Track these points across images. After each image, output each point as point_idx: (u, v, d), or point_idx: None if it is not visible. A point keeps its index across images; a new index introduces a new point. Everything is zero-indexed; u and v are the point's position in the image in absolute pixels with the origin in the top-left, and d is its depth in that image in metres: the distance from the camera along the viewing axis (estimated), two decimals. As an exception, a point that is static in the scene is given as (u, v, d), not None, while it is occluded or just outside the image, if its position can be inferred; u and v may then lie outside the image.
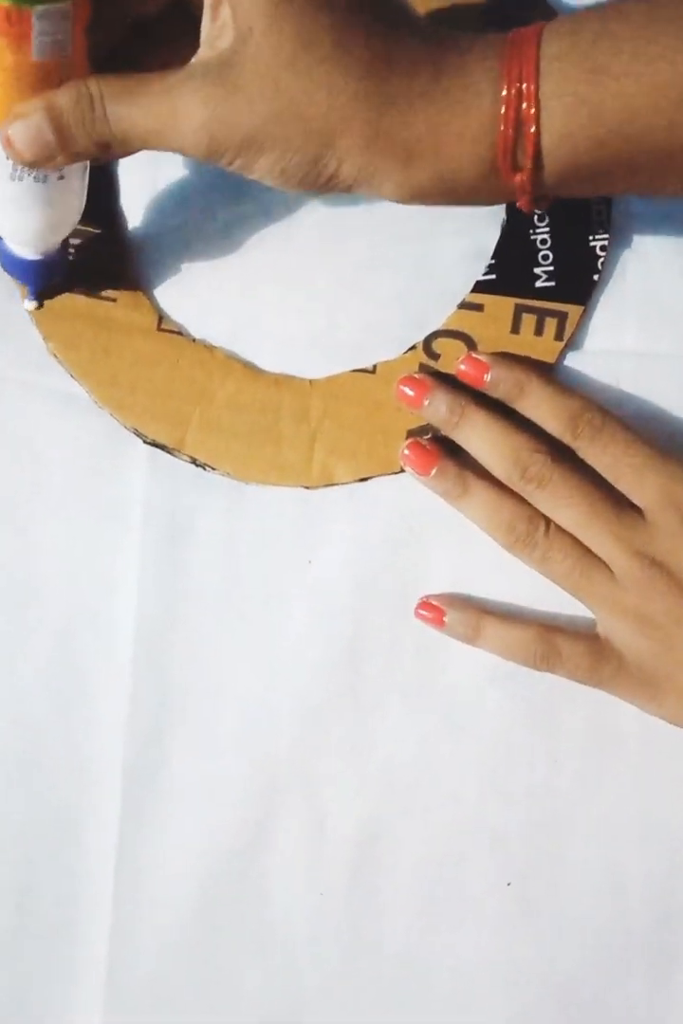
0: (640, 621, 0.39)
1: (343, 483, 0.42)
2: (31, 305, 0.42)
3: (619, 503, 0.40)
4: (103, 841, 0.42)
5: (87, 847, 0.42)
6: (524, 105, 0.33)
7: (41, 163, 0.36)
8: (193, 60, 0.35)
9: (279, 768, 0.42)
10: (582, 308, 0.43)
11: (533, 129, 0.34)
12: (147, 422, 0.43)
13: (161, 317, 0.43)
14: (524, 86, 0.33)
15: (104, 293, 0.43)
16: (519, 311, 0.42)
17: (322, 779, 0.42)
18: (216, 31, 0.35)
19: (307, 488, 0.43)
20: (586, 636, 0.40)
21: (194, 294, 0.44)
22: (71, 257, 0.42)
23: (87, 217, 0.43)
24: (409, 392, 0.41)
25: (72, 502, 0.43)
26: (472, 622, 0.41)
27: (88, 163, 0.39)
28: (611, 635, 0.40)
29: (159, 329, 0.43)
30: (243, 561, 0.43)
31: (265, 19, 0.33)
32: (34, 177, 0.37)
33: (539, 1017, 0.40)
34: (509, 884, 0.41)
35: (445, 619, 0.41)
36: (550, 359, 0.42)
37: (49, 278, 0.41)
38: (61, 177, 0.37)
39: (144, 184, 0.45)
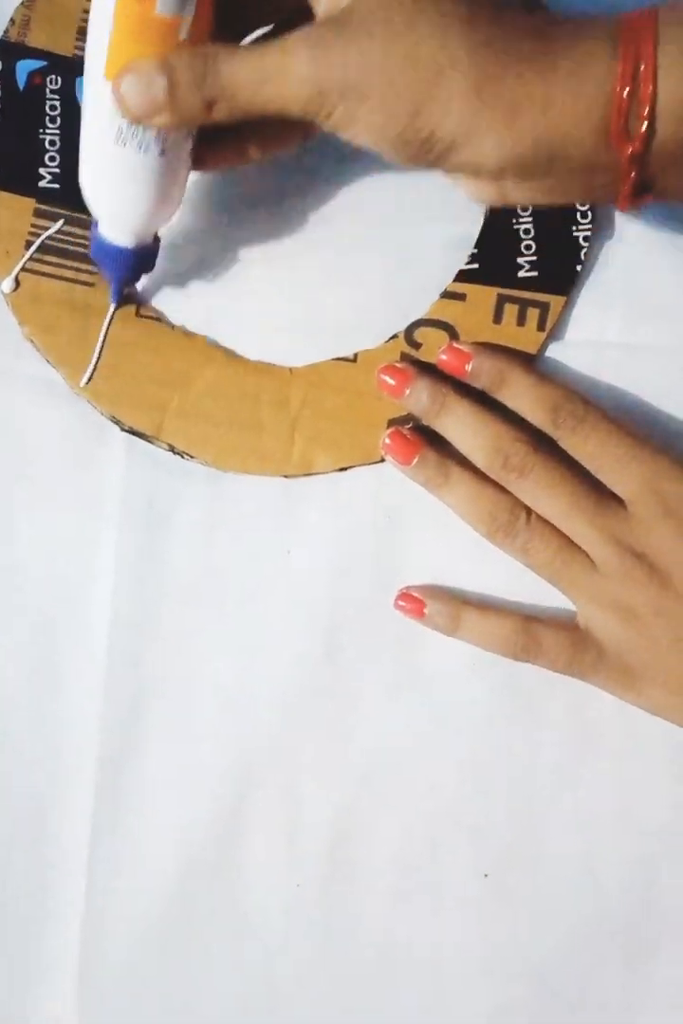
0: (620, 611, 0.39)
1: (323, 472, 0.43)
2: (8, 287, 0.42)
3: (600, 493, 0.40)
4: (76, 831, 0.42)
5: (60, 837, 0.42)
6: (642, 65, 0.33)
7: (146, 117, 0.36)
8: (307, 26, 0.35)
9: (256, 759, 0.42)
10: (565, 298, 0.43)
11: (650, 89, 0.33)
12: (124, 409, 0.43)
13: (140, 302, 0.43)
14: (641, 46, 0.33)
15: (82, 277, 0.43)
16: (501, 301, 0.43)
17: (299, 769, 0.42)
18: (334, 4, 0.35)
19: (286, 477, 0.43)
20: (566, 626, 0.40)
21: (174, 280, 0.44)
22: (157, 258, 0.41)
23: (67, 200, 0.43)
24: (390, 381, 0.42)
25: (48, 490, 0.43)
26: (452, 613, 0.41)
27: (190, 152, 0.39)
28: (591, 625, 0.40)
29: (138, 315, 0.43)
30: (221, 551, 0.43)
31: None
32: (138, 144, 0.37)
33: (515, 1007, 0.41)
34: (486, 875, 0.41)
35: (425, 611, 0.41)
36: (532, 349, 0.43)
37: (138, 271, 0.41)
38: (162, 152, 0.37)
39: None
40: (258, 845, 0.41)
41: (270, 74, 0.34)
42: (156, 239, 0.40)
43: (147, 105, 0.35)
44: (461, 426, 0.41)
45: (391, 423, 0.42)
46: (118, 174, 0.38)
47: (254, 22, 0.39)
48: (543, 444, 0.40)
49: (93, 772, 0.42)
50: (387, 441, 0.42)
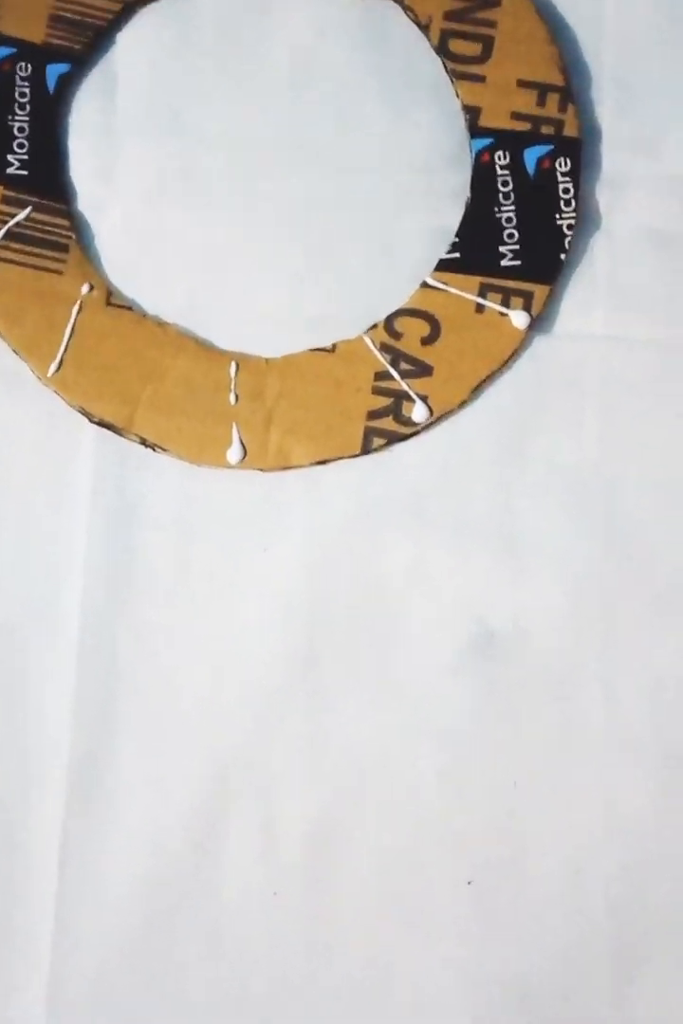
0: None
1: (300, 466, 0.43)
2: None
3: None
4: (46, 839, 0.41)
5: (29, 845, 0.41)
6: None
7: None
8: None
9: (231, 763, 0.42)
10: (549, 287, 0.43)
11: None
12: (94, 400, 0.43)
13: (110, 291, 0.43)
14: None
15: (49, 265, 0.43)
16: (484, 290, 0.43)
17: (276, 774, 0.42)
18: None
19: (262, 471, 0.43)
20: None
21: (146, 268, 0.44)
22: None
23: (35, 187, 0.44)
24: None
25: (15, 485, 0.43)
26: None
27: None
28: None
29: (108, 304, 0.43)
30: (195, 548, 0.43)
31: None
32: None
33: (501, 1019, 0.40)
34: (470, 882, 0.41)
35: None
36: (516, 340, 0.43)
37: None
38: None
39: (95, 154, 0.45)
40: (234, 853, 0.41)
41: None
42: None
43: None
44: None
45: (371, 415, 0.43)
46: None
47: None
48: None
49: (63, 778, 0.41)
50: None
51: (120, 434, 0.43)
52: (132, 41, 0.46)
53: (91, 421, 0.43)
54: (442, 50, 0.45)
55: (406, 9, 0.45)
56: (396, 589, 0.42)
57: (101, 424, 0.43)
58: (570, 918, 0.41)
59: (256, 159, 0.45)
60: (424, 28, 0.45)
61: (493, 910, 0.41)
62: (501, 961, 0.41)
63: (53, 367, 0.43)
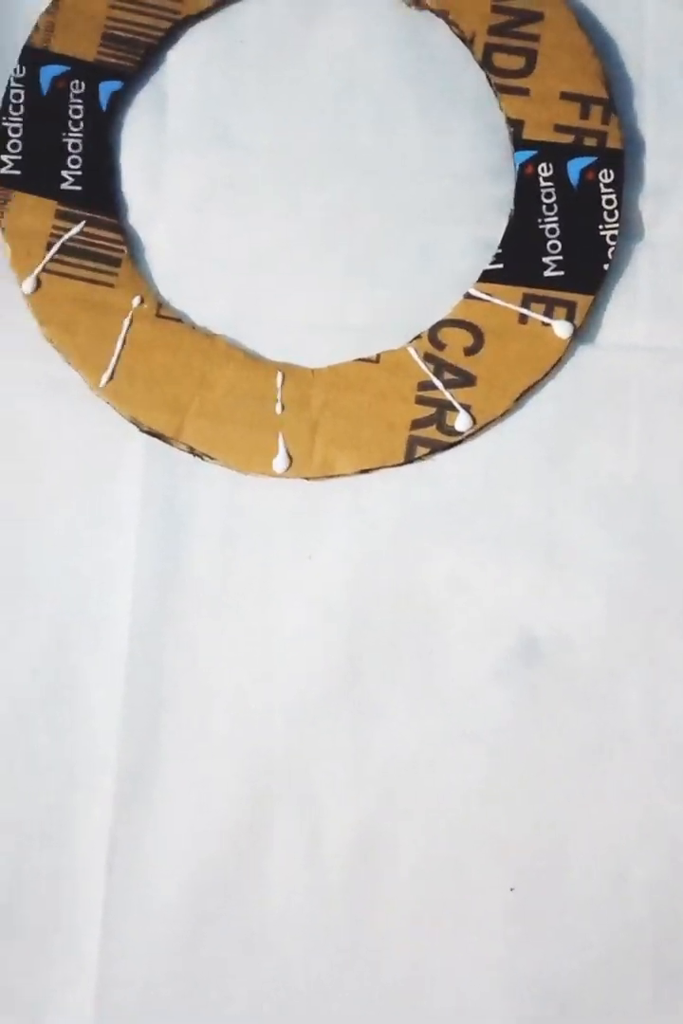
0: None
1: (344, 475, 0.43)
2: (29, 287, 0.43)
3: None
4: (94, 844, 0.42)
5: (77, 851, 0.42)
6: None
7: None
8: None
9: (276, 769, 0.42)
10: (592, 297, 0.44)
11: None
12: (144, 410, 0.44)
13: (161, 303, 0.44)
14: None
15: (102, 278, 0.44)
16: (527, 300, 0.44)
17: (319, 781, 0.42)
18: None
19: (307, 479, 0.43)
20: None
21: (195, 281, 0.45)
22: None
23: (88, 202, 0.45)
24: None
25: (66, 493, 0.44)
26: None
27: None
28: None
29: (158, 316, 0.44)
30: (241, 555, 0.44)
31: None
32: None
33: (541, 1026, 0.41)
34: (512, 889, 0.41)
35: None
36: (559, 350, 0.43)
37: None
38: None
39: (145, 169, 0.46)
40: (278, 859, 0.42)
41: None
42: None
43: None
44: None
45: (415, 425, 0.43)
46: None
47: None
48: None
49: (111, 784, 0.42)
50: None
51: (169, 443, 0.44)
52: (181, 58, 0.47)
53: (141, 430, 0.44)
54: (486, 64, 0.45)
55: (450, 23, 0.46)
56: (439, 597, 0.43)
57: (151, 433, 0.44)
58: (612, 925, 0.41)
59: (302, 171, 0.46)
60: (468, 42, 0.46)
61: (535, 917, 0.41)
62: (543, 968, 0.41)
63: (105, 378, 0.44)
